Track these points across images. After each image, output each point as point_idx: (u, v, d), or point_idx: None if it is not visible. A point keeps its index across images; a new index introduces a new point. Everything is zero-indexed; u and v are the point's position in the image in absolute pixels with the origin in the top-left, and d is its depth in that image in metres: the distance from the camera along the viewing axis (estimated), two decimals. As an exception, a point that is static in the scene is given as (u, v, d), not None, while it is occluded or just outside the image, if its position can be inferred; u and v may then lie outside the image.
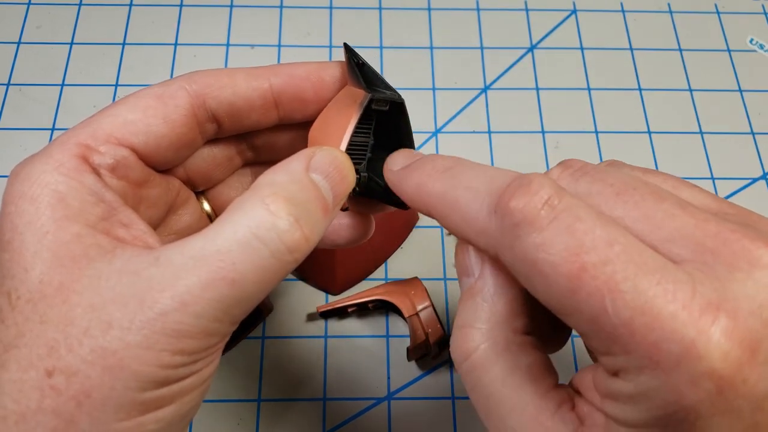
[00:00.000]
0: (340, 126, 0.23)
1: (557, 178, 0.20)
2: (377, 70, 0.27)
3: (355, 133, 0.23)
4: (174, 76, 0.26)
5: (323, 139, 0.24)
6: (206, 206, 0.27)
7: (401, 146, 0.25)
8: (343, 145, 0.23)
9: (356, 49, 0.25)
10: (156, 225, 0.25)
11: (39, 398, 0.18)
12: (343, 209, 0.26)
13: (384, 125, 0.26)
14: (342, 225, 0.26)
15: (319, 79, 0.25)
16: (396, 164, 0.23)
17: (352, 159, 0.23)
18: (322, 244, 0.26)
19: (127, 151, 0.22)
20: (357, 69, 0.24)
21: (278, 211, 0.20)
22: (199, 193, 0.28)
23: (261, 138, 0.27)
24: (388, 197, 0.24)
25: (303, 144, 0.25)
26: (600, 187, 0.19)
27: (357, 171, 0.24)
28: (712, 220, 0.18)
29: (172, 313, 0.18)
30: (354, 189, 0.23)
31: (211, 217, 0.27)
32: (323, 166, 0.22)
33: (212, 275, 0.19)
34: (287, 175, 0.21)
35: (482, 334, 0.20)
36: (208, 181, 0.27)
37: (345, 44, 0.25)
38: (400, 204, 0.24)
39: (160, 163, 0.24)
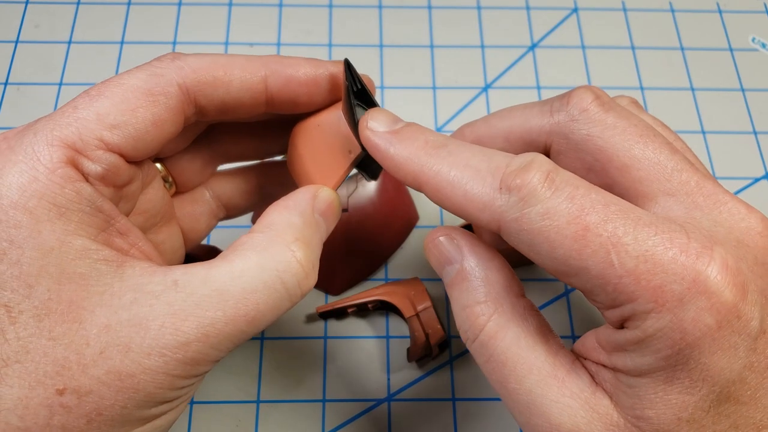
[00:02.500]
0: (333, 167, 0.25)
1: (589, 102, 0.22)
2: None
3: None
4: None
5: (317, 173, 0.25)
6: (158, 166, 0.26)
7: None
8: (335, 185, 0.25)
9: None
10: (129, 212, 0.24)
11: (47, 415, 0.18)
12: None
13: None
14: None
15: (315, 86, 0.24)
16: (378, 125, 0.23)
17: None
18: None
19: (116, 158, 0.21)
20: (353, 110, 0.23)
21: (303, 259, 0.21)
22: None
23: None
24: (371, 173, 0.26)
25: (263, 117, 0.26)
26: (626, 125, 0.21)
27: None
28: (710, 179, 0.20)
29: (194, 343, 0.19)
30: None
31: (166, 180, 0.26)
32: (323, 208, 0.24)
33: (236, 312, 0.20)
34: (301, 218, 0.22)
35: (488, 306, 0.21)
36: (171, 152, 0.26)
37: (346, 61, 0.23)
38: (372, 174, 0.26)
39: (143, 158, 0.23)
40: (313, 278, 0.22)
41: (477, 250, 0.22)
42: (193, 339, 0.19)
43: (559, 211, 0.18)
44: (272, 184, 0.30)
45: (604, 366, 0.20)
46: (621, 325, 0.19)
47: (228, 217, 0.30)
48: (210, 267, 0.20)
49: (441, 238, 0.23)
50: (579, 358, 0.21)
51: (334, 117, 0.25)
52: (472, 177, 0.20)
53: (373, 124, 0.23)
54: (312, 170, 0.25)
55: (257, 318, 0.20)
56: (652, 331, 0.18)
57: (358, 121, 0.23)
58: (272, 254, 0.21)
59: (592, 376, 0.20)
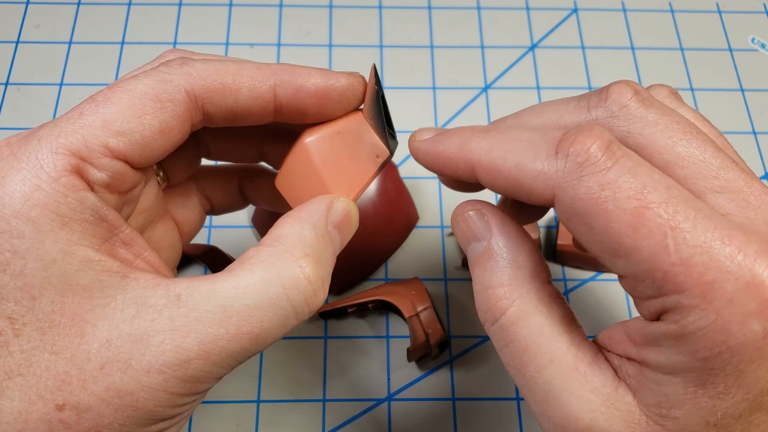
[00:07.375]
0: (355, 176, 0.24)
1: (629, 98, 0.21)
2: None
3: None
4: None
5: (334, 183, 0.24)
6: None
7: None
8: (358, 195, 0.24)
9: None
10: (130, 215, 0.23)
11: (46, 431, 0.18)
12: None
13: None
14: None
15: (326, 97, 0.24)
16: (424, 136, 0.24)
17: None
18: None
19: (121, 165, 0.20)
20: (381, 114, 0.23)
21: (312, 276, 0.20)
22: None
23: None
24: None
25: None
26: (668, 121, 0.20)
27: None
28: (756, 179, 0.19)
29: (195, 361, 0.19)
30: None
31: (158, 174, 0.26)
32: (338, 220, 0.23)
33: (239, 329, 0.19)
34: (313, 231, 0.22)
35: (513, 290, 0.21)
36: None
37: (374, 67, 0.23)
38: None
39: (148, 165, 0.22)
40: (323, 295, 0.21)
41: (507, 230, 0.22)
42: (194, 356, 0.18)
43: (621, 184, 0.18)
44: (251, 188, 0.30)
45: (630, 359, 0.19)
46: (657, 318, 0.18)
47: (214, 211, 0.30)
48: (215, 281, 0.20)
49: (470, 212, 0.22)
50: (602, 350, 0.20)
51: (355, 124, 0.24)
52: (526, 148, 0.20)
53: (420, 135, 0.24)
54: (329, 181, 0.24)
55: (261, 336, 0.20)
56: (693, 329, 0.17)
57: (386, 134, 0.24)
58: (279, 270, 0.20)
59: (615, 370, 0.19)
